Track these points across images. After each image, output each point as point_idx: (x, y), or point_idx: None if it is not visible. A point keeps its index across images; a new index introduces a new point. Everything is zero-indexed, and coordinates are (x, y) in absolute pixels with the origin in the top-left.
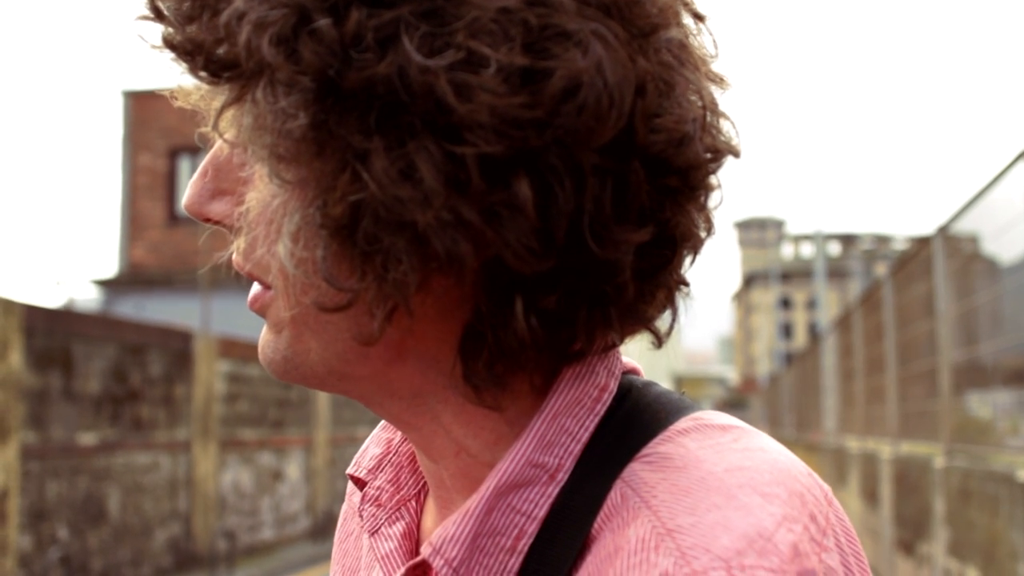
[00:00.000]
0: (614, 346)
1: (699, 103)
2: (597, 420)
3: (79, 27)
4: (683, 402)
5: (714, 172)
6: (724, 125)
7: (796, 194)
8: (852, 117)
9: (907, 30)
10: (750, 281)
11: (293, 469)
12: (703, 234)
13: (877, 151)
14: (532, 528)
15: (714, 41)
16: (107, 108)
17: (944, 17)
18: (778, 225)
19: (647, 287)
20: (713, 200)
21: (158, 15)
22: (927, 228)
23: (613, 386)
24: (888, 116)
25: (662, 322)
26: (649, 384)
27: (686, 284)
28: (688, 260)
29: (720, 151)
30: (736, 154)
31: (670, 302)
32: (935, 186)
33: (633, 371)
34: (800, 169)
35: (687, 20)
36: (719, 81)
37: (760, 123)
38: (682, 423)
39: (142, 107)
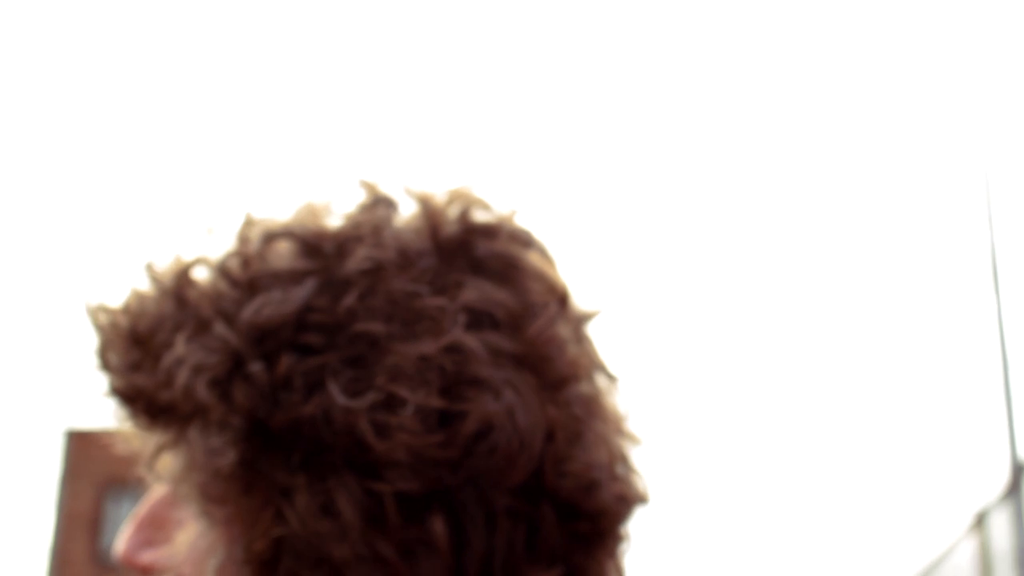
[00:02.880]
0: None
1: (607, 454)
2: None
3: (17, 363)
4: None
5: (623, 521)
6: (633, 477)
7: None
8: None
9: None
10: None
11: None
12: None
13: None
14: None
15: (625, 401)
16: (40, 445)
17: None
18: None
19: None
20: (623, 550)
21: (106, 366)
22: None
23: None
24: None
25: None
26: None
27: None
28: None
29: (629, 500)
30: (645, 501)
31: None
32: None
33: None
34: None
35: (601, 380)
36: (630, 437)
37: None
38: None
39: (78, 445)
